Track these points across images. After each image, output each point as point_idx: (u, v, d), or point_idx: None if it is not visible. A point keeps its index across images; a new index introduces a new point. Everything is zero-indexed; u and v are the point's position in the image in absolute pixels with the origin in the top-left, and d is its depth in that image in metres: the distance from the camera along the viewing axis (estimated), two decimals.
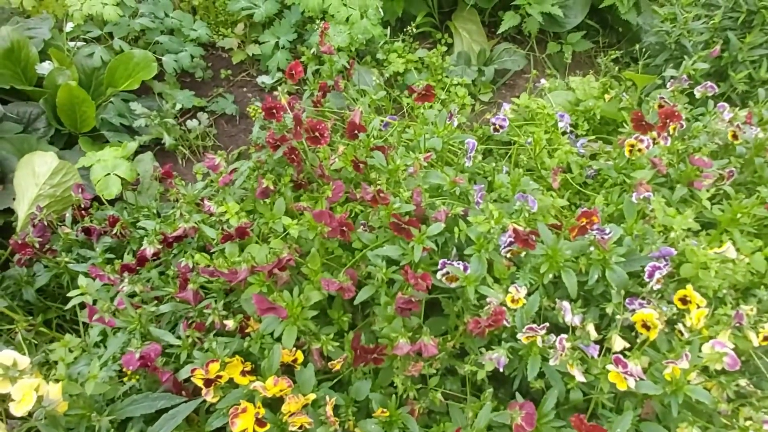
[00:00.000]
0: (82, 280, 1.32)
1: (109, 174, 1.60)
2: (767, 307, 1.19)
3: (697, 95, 1.69)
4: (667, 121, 1.37)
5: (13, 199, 1.73)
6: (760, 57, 1.82)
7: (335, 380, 1.16)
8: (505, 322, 1.15)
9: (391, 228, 1.11)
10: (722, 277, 1.14)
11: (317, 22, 2.22)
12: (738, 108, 1.59)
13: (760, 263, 1.19)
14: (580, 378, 1.09)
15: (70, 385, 1.04)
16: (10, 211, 1.75)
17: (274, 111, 1.41)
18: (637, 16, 2.28)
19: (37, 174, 1.66)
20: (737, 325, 1.10)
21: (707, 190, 1.36)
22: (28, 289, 1.49)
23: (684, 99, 1.71)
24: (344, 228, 1.19)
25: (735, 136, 1.49)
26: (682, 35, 1.86)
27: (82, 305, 1.44)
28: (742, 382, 1.13)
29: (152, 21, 2.28)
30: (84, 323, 1.39)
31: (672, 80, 1.66)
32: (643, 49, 2.04)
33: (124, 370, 1.08)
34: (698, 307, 1.11)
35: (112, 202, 1.71)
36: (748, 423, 1.01)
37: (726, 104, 1.58)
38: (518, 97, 1.95)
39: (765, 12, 1.84)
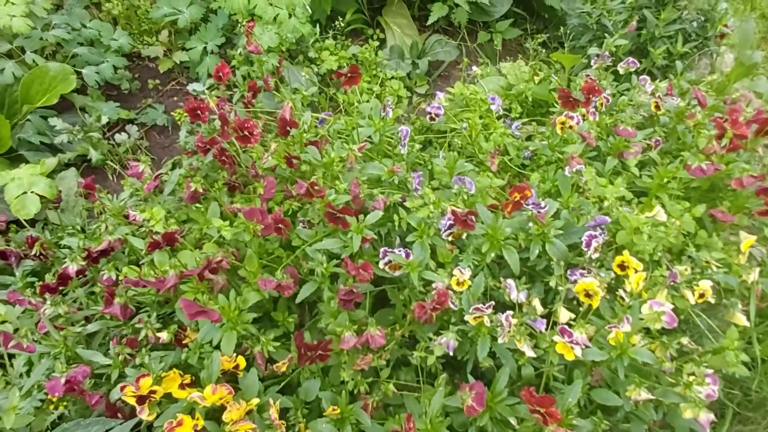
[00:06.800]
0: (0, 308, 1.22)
1: (25, 192, 1.49)
2: (700, 267, 1.23)
3: (621, 71, 1.75)
4: (590, 96, 1.40)
5: None
6: (675, 32, 1.90)
7: (283, 383, 1.11)
8: (452, 305, 1.14)
9: (326, 218, 1.08)
10: (656, 240, 1.17)
11: (244, 23, 2.16)
12: (659, 81, 1.65)
13: (689, 224, 1.22)
14: (529, 353, 1.08)
15: None
16: None
17: (199, 112, 1.35)
18: (561, 1, 2.34)
19: None
20: (672, 283, 1.12)
21: (636, 158, 1.40)
22: None
23: (610, 76, 1.76)
24: (280, 225, 1.15)
25: (658, 107, 1.55)
26: (602, 15, 1.92)
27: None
28: (684, 340, 1.16)
29: (68, 32, 2.15)
30: (9, 354, 1.28)
31: (596, 58, 1.71)
32: (568, 32, 2.09)
33: (50, 398, 0.99)
34: (636, 271, 1.13)
35: (32, 224, 1.59)
36: (691, 378, 1.03)
37: (647, 77, 1.63)
38: (453, 87, 1.96)
39: None
